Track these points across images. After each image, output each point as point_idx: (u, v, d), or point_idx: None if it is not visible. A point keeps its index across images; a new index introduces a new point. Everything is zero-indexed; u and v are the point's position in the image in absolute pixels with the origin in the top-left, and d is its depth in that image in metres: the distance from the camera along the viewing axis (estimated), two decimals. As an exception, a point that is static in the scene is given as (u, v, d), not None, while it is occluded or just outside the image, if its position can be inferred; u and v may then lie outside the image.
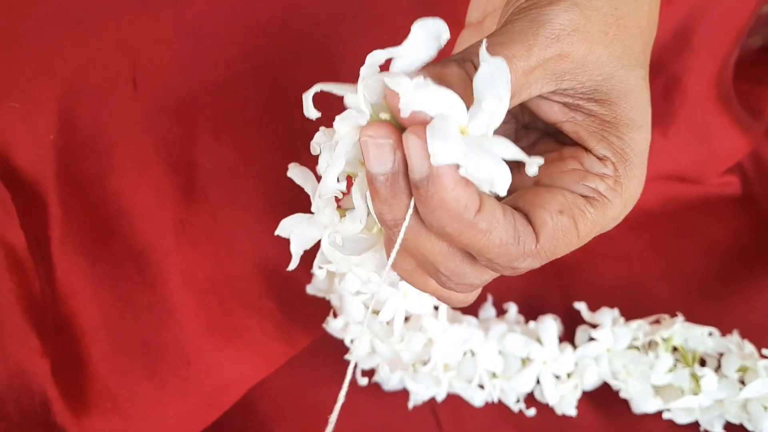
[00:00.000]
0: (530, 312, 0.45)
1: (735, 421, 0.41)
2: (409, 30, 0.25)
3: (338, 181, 0.27)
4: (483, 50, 0.23)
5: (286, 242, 0.44)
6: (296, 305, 0.44)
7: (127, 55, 0.39)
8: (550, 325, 0.43)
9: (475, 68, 0.24)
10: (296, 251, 0.32)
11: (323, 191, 0.27)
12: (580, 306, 0.45)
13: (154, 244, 0.41)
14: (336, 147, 0.25)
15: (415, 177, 0.23)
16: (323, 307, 0.45)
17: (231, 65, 0.41)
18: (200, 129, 0.41)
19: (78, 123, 0.38)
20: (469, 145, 0.23)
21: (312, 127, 0.43)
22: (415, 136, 0.23)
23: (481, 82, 0.23)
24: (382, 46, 0.25)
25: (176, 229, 0.41)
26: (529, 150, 0.31)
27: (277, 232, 0.32)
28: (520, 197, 0.27)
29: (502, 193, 0.23)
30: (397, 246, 0.25)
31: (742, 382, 0.42)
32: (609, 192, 0.27)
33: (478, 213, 0.24)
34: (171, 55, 0.40)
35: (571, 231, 0.27)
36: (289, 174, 0.32)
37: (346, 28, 0.44)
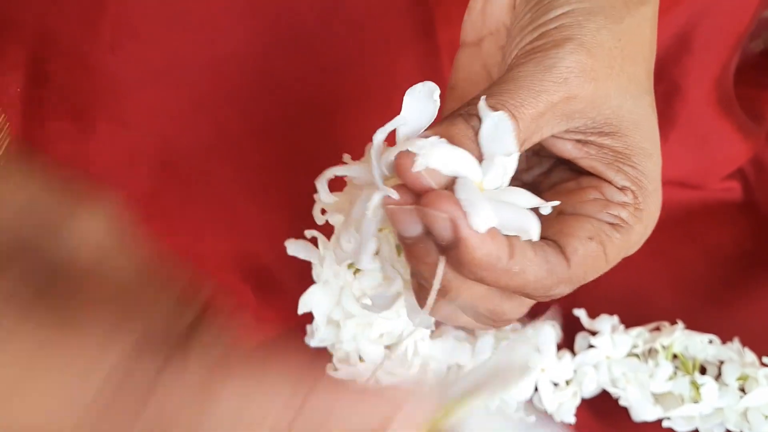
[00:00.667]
0: (529, 319, 0.45)
1: (735, 429, 0.41)
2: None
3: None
4: (482, 105, 0.24)
5: (263, 229, 0.44)
6: (271, 292, 0.44)
7: (106, 16, 0.38)
8: (548, 333, 0.42)
9: (481, 122, 0.25)
10: (321, 320, 0.33)
11: (361, 264, 0.27)
12: (580, 313, 0.45)
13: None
14: (363, 227, 0.26)
15: (443, 243, 0.24)
16: (298, 290, 0.44)
17: (214, 45, 0.41)
18: (180, 101, 0.40)
19: (49, 80, 0.37)
20: (492, 202, 0.23)
21: (291, 105, 0.43)
22: (433, 208, 0.23)
23: (487, 138, 0.24)
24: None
25: (147, 200, 0.40)
26: (544, 178, 0.32)
27: (301, 311, 0.33)
28: (548, 227, 0.28)
29: (536, 238, 0.25)
30: (433, 294, 0.26)
31: (743, 391, 0.41)
32: (631, 218, 0.28)
33: (510, 259, 0.25)
34: (153, 25, 0.39)
35: (600, 257, 0.28)
36: (290, 252, 0.32)
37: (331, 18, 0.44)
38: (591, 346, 0.43)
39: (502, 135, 0.24)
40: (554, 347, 0.43)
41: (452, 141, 0.24)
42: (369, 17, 0.44)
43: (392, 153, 0.24)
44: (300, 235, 0.44)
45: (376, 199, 0.24)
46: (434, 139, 0.23)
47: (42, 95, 0.38)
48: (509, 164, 0.24)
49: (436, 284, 0.25)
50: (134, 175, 0.40)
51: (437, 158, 0.23)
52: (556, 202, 0.25)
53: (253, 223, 0.43)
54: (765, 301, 0.49)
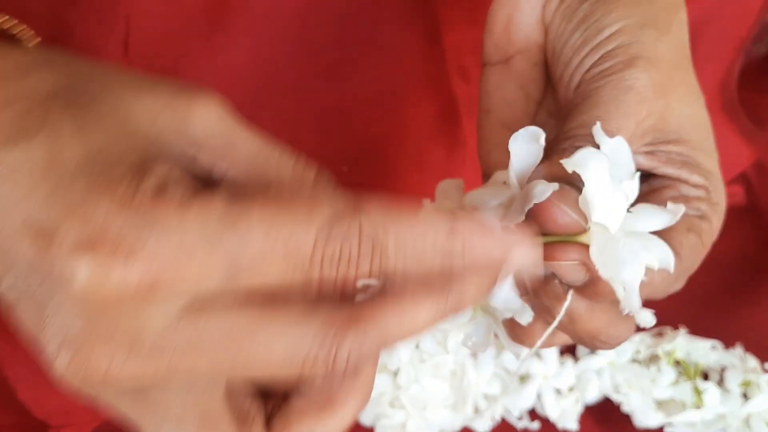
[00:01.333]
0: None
1: (738, 436, 0.41)
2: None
3: None
4: (599, 131, 0.25)
5: None
6: None
7: (120, 18, 0.38)
8: (550, 339, 0.43)
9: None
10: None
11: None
12: (582, 319, 0.45)
13: None
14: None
15: (578, 284, 0.25)
16: None
17: (225, 52, 0.41)
18: None
19: None
20: (626, 245, 0.24)
21: (301, 114, 0.43)
22: (564, 259, 0.24)
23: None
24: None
25: None
26: None
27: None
28: None
29: (672, 269, 0.26)
30: (554, 325, 0.26)
31: (745, 397, 0.41)
32: (709, 210, 0.30)
33: None
34: (165, 29, 0.39)
35: (700, 246, 0.29)
36: None
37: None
38: (593, 353, 0.43)
39: (622, 159, 0.25)
40: (556, 355, 0.43)
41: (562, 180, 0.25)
42: (377, 25, 0.44)
43: (529, 200, 0.25)
44: None
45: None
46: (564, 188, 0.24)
47: None
48: (634, 187, 0.25)
49: (560, 316, 0.26)
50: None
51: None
52: (682, 207, 0.26)
53: None
54: (768, 306, 0.49)
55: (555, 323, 0.25)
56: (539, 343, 0.26)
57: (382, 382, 0.38)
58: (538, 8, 0.32)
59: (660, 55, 0.28)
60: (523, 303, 0.27)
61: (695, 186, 0.30)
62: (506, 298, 0.26)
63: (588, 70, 0.28)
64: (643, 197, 0.30)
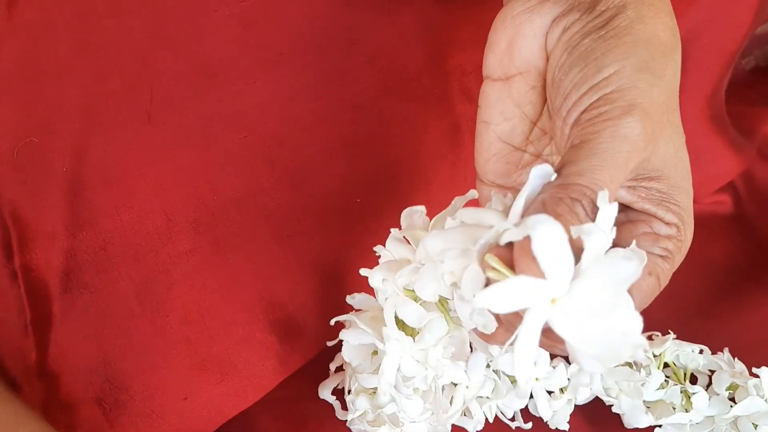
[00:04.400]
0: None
1: (725, 437, 0.42)
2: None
3: None
4: (604, 198, 0.26)
5: (291, 276, 0.44)
6: (296, 337, 0.45)
7: (145, 89, 0.39)
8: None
9: (583, 208, 0.27)
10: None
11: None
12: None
13: (158, 276, 0.40)
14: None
15: None
16: (321, 333, 0.45)
17: (244, 95, 0.41)
18: (211, 158, 0.41)
19: (90, 156, 0.39)
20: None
21: (316, 146, 0.43)
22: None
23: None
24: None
25: (182, 260, 0.41)
26: None
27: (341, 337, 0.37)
28: None
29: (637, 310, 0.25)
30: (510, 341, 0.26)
31: (733, 400, 0.42)
32: (675, 249, 0.32)
33: None
34: (186, 89, 0.40)
35: (656, 287, 0.31)
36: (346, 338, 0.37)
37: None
38: (585, 355, 0.44)
39: (608, 219, 0.26)
40: (548, 357, 0.43)
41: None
42: (383, 50, 0.45)
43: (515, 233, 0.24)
44: (324, 280, 0.45)
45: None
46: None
47: (82, 171, 0.39)
48: (608, 240, 0.26)
49: (514, 336, 0.25)
50: (172, 237, 0.41)
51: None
52: (644, 254, 0.27)
53: (278, 271, 0.44)
54: (754, 312, 0.50)
55: (512, 338, 0.25)
56: (504, 348, 0.26)
57: (362, 404, 0.39)
58: (540, 36, 0.32)
59: (653, 101, 0.29)
60: (489, 316, 0.28)
61: (668, 224, 0.32)
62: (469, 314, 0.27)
63: (586, 110, 0.29)
64: (619, 226, 0.32)
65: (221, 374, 0.42)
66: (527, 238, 0.23)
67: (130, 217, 0.40)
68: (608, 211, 0.26)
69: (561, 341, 0.24)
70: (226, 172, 0.42)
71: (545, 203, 0.26)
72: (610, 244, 0.26)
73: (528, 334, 0.23)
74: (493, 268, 0.24)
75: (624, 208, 0.33)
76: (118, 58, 0.39)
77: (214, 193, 0.41)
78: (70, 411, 0.40)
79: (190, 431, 0.42)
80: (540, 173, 0.28)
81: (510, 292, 0.23)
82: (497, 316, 0.28)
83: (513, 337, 0.24)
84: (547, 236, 0.23)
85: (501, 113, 0.35)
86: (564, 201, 0.26)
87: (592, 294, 0.23)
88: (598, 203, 0.26)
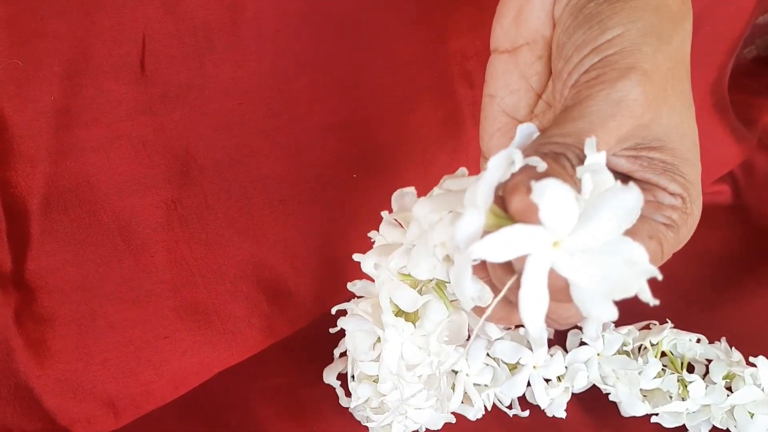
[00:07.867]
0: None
1: (722, 426, 0.42)
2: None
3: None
4: (591, 145, 0.24)
5: (282, 240, 0.44)
6: (285, 300, 0.45)
7: (138, 36, 0.39)
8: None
9: (569, 162, 0.25)
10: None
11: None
12: (572, 310, 0.45)
13: (143, 217, 0.40)
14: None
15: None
16: (311, 304, 0.44)
17: (241, 66, 0.41)
18: (204, 119, 0.41)
19: (81, 90, 0.38)
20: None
21: (311, 121, 0.43)
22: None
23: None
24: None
25: (167, 207, 0.41)
26: None
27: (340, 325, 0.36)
28: None
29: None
30: (498, 299, 0.26)
31: (729, 389, 0.42)
32: (680, 220, 0.30)
33: None
34: (181, 48, 0.40)
35: (659, 254, 0.30)
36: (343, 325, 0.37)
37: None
38: (582, 344, 0.44)
39: (601, 174, 0.25)
40: (546, 344, 0.43)
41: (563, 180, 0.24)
42: (383, 33, 0.44)
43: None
44: (318, 245, 0.44)
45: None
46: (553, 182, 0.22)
47: (71, 104, 0.38)
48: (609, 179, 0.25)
49: (505, 290, 0.25)
50: (158, 183, 0.41)
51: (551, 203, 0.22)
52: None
53: (270, 234, 0.43)
54: (752, 302, 0.50)
55: (501, 295, 0.25)
56: (489, 310, 0.26)
57: (365, 391, 0.39)
58: (548, 3, 0.32)
59: (657, 66, 0.28)
60: (483, 285, 0.27)
61: (672, 194, 0.30)
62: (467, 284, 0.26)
63: (586, 71, 0.29)
64: None
65: (206, 321, 0.42)
66: (527, 187, 0.22)
67: (117, 157, 0.39)
68: (596, 160, 0.25)
69: (567, 296, 0.23)
70: (219, 134, 0.41)
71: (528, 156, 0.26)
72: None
73: (532, 280, 0.22)
74: (496, 215, 0.23)
75: (625, 178, 0.32)
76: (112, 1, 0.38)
77: (205, 150, 0.41)
78: (45, 325, 0.40)
79: (170, 372, 0.42)
80: (525, 131, 0.27)
81: (508, 239, 0.22)
82: (494, 287, 0.27)
83: (510, 282, 0.24)
84: (549, 186, 0.21)
85: (506, 86, 0.34)
86: (563, 154, 0.26)
87: (596, 230, 0.22)
88: (586, 151, 0.25)
